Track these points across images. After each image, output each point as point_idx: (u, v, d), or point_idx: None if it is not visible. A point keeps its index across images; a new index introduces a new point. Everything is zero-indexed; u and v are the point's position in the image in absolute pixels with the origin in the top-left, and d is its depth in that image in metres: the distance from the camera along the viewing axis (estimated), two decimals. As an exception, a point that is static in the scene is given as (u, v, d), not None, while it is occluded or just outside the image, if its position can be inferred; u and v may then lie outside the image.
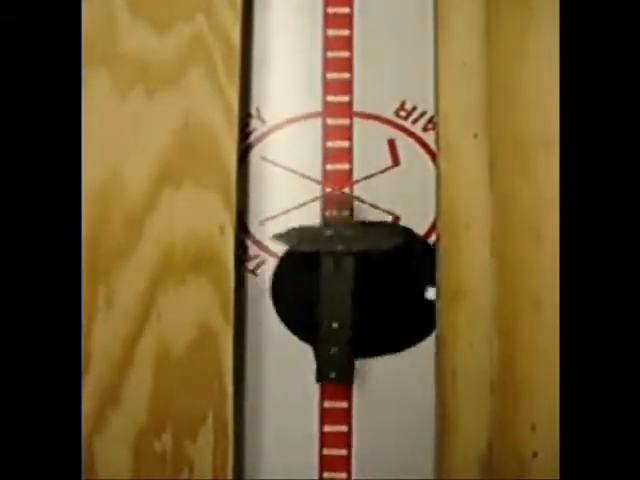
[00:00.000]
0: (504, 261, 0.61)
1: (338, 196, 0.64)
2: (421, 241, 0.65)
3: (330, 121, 0.66)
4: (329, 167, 0.65)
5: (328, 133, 0.66)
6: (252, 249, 0.65)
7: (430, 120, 0.65)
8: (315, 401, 0.64)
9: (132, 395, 0.60)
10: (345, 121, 0.66)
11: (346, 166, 0.65)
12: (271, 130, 0.66)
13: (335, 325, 0.61)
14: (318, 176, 0.65)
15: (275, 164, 0.66)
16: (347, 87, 0.66)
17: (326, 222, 0.63)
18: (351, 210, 0.63)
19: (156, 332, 0.61)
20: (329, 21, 0.67)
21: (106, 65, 0.63)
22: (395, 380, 0.64)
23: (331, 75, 0.66)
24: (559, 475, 0.48)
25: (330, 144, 0.66)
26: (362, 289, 0.62)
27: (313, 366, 0.63)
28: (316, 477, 0.63)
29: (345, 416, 0.64)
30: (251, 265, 0.65)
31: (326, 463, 0.64)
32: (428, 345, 0.64)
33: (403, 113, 0.66)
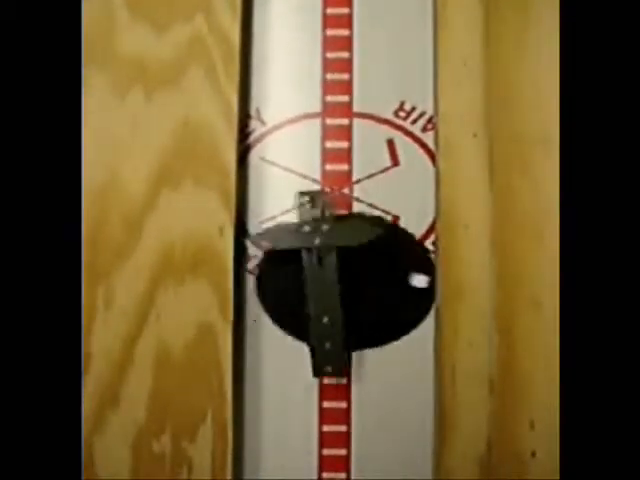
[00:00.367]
0: (504, 261, 0.62)
1: (312, 192, 0.64)
2: (401, 230, 0.65)
3: (329, 121, 0.66)
4: (328, 167, 0.65)
5: (327, 133, 0.66)
6: (251, 249, 0.65)
7: (429, 120, 0.65)
8: (314, 401, 0.64)
9: (131, 395, 0.60)
10: (344, 121, 0.66)
11: (345, 166, 0.66)
12: (270, 131, 0.66)
13: (325, 320, 0.61)
14: (317, 176, 0.65)
15: (274, 165, 0.66)
16: (346, 87, 0.66)
17: (304, 218, 0.63)
18: (325, 205, 0.63)
19: (155, 332, 0.61)
20: (328, 21, 0.67)
21: (105, 65, 0.63)
22: (394, 380, 0.64)
23: (330, 75, 0.66)
24: (558, 474, 0.48)
25: (329, 144, 0.66)
26: (348, 281, 0.62)
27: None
28: (315, 477, 0.64)
29: (344, 416, 0.64)
30: (250, 265, 0.65)
31: (325, 463, 0.64)
32: (426, 344, 0.64)
33: (402, 113, 0.66)
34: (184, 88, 0.63)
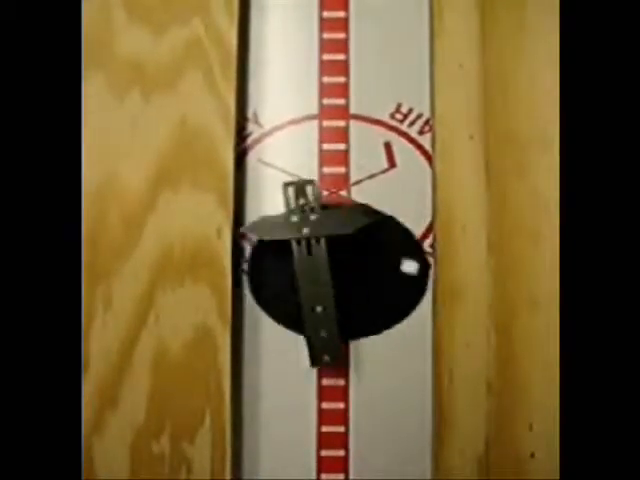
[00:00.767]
0: (501, 261, 0.62)
1: (298, 182, 0.64)
2: (390, 219, 0.65)
3: (326, 124, 0.66)
4: (325, 170, 0.66)
5: (324, 136, 0.66)
6: (249, 251, 0.65)
7: (426, 123, 0.66)
8: (313, 402, 0.64)
9: (130, 396, 0.60)
10: (341, 124, 0.66)
11: (342, 169, 0.66)
12: (268, 133, 0.67)
13: (319, 309, 0.61)
14: (315, 179, 0.66)
15: (272, 167, 0.66)
16: (343, 90, 0.66)
17: (291, 209, 0.63)
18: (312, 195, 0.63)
19: (154, 333, 0.61)
20: (325, 24, 0.67)
21: (103, 67, 0.63)
22: (393, 381, 0.64)
23: (327, 78, 0.67)
24: (557, 475, 0.48)
25: (326, 147, 0.66)
26: (338, 270, 0.62)
27: (311, 370, 0.64)
28: (314, 478, 0.64)
29: (342, 417, 0.64)
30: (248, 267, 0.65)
31: (324, 464, 0.64)
32: (425, 346, 0.64)
33: (399, 116, 0.66)
34: (182, 90, 0.63)
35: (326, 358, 0.62)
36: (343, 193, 0.66)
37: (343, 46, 0.67)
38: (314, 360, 0.62)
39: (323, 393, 0.64)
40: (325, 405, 0.64)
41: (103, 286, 0.61)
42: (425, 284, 0.65)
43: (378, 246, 0.65)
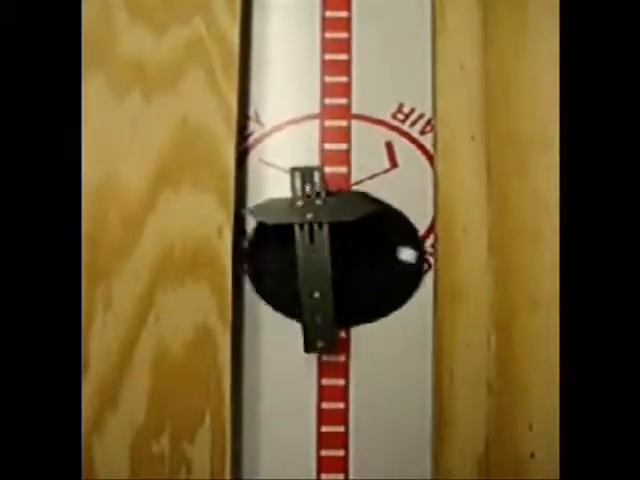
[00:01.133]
0: (502, 262, 0.62)
1: (304, 168, 0.64)
2: (389, 207, 0.65)
3: (328, 123, 0.66)
4: (327, 169, 0.66)
5: (326, 135, 0.66)
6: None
7: (428, 123, 0.66)
8: (313, 402, 0.64)
9: (130, 396, 0.60)
10: (343, 123, 0.66)
11: (344, 168, 0.66)
12: (269, 133, 0.66)
13: (316, 294, 0.61)
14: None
15: (273, 166, 0.66)
16: (345, 90, 0.66)
17: (297, 194, 0.63)
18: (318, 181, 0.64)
19: (154, 333, 0.61)
20: (327, 24, 0.67)
21: (104, 66, 0.63)
22: (393, 381, 0.64)
23: (329, 78, 0.67)
24: (557, 475, 0.48)
25: (328, 146, 0.66)
26: (337, 257, 0.62)
27: (311, 368, 0.64)
28: (314, 478, 0.64)
29: (342, 417, 0.64)
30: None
31: (324, 464, 0.64)
32: (426, 345, 0.64)
33: (401, 116, 0.66)
34: (183, 90, 0.63)
35: (320, 344, 0.62)
36: (344, 193, 0.66)
37: (345, 46, 0.67)
38: (308, 346, 0.62)
39: (323, 393, 0.64)
40: (325, 405, 0.64)
41: (103, 286, 0.61)
42: (421, 272, 0.65)
43: (377, 234, 0.65)
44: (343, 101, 0.66)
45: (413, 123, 0.66)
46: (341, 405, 0.64)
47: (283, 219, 0.63)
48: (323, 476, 0.64)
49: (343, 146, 0.66)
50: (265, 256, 0.65)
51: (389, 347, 0.64)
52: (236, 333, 0.63)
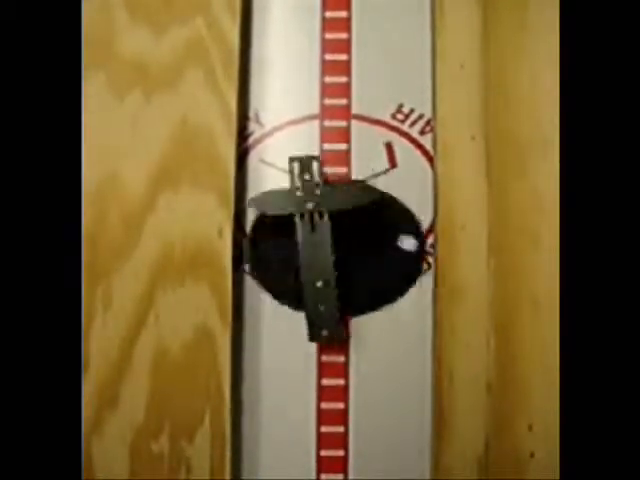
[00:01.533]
0: (501, 262, 0.62)
1: (303, 157, 0.64)
2: (388, 196, 0.65)
3: (328, 124, 0.66)
4: (327, 170, 0.66)
5: (326, 136, 0.66)
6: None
7: (427, 123, 0.66)
8: (312, 402, 0.64)
9: (130, 396, 0.60)
10: (343, 124, 0.66)
11: (344, 169, 0.66)
12: (269, 133, 0.66)
13: (319, 284, 0.61)
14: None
15: (273, 167, 0.66)
16: (345, 90, 0.66)
17: (296, 184, 0.64)
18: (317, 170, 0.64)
19: (154, 333, 0.61)
20: (327, 24, 0.67)
21: (104, 66, 0.63)
22: (393, 382, 0.64)
23: (329, 78, 0.67)
24: (557, 475, 0.48)
25: (327, 147, 0.66)
26: (338, 247, 0.62)
27: (311, 368, 0.64)
28: (313, 478, 0.64)
29: (342, 417, 0.64)
30: (249, 267, 0.65)
31: (323, 464, 0.64)
32: (425, 351, 0.64)
33: (400, 116, 0.66)
34: (183, 90, 0.63)
35: (324, 333, 0.62)
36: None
37: (345, 46, 0.67)
38: (312, 335, 0.62)
39: (323, 393, 0.64)
40: (325, 405, 0.64)
41: (103, 286, 0.61)
42: (422, 261, 0.65)
43: (376, 223, 0.65)
44: (343, 101, 0.66)
45: (413, 123, 0.66)
46: (341, 405, 0.64)
47: (283, 209, 0.63)
48: (323, 476, 0.64)
49: (343, 146, 0.66)
50: (265, 248, 0.65)
51: (389, 348, 0.64)
52: (236, 333, 0.63)
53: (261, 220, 0.65)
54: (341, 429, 0.64)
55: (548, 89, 0.62)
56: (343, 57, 0.67)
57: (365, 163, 0.66)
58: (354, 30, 0.67)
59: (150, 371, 0.61)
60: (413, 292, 0.65)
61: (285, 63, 0.67)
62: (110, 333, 0.61)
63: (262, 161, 0.66)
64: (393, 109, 0.66)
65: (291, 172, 0.64)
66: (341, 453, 0.64)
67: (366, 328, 0.65)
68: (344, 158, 0.66)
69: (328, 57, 0.67)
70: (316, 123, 0.66)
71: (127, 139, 0.62)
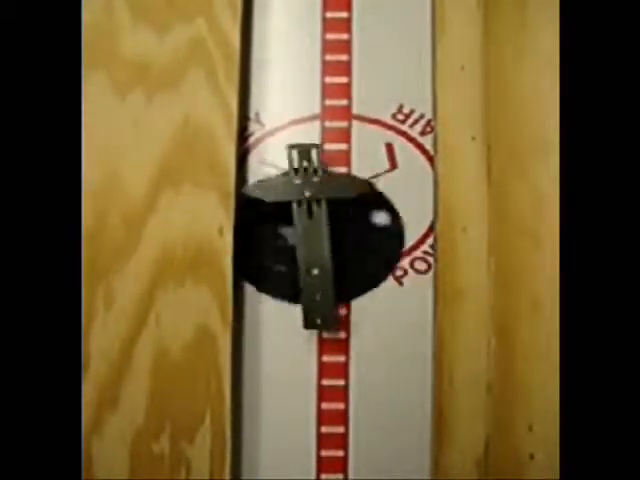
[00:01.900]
0: (502, 263, 0.62)
1: (302, 145, 0.64)
2: (375, 192, 0.66)
3: (328, 124, 0.66)
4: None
5: (326, 136, 0.66)
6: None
7: (428, 123, 0.66)
8: (312, 402, 0.64)
9: (130, 396, 0.60)
10: (343, 124, 0.66)
11: (344, 169, 0.66)
12: (270, 133, 0.66)
13: (315, 272, 0.62)
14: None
15: (274, 167, 0.66)
16: (345, 91, 0.66)
17: (294, 171, 0.64)
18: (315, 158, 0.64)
19: (155, 333, 0.61)
20: (328, 25, 0.67)
21: (106, 67, 0.63)
22: (393, 382, 0.64)
23: (329, 79, 0.67)
24: (557, 477, 0.48)
25: (328, 147, 0.66)
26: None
27: (312, 368, 0.64)
28: (313, 478, 0.64)
29: (342, 417, 0.64)
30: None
31: (323, 464, 0.64)
32: (425, 352, 0.64)
33: (401, 117, 0.66)
34: (184, 90, 0.63)
35: (318, 321, 0.62)
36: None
37: (346, 47, 0.67)
38: (307, 323, 0.62)
39: (323, 393, 0.64)
40: (325, 405, 0.64)
41: (104, 286, 0.61)
42: (402, 236, 0.65)
43: (352, 209, 0.66)
44: (343, 102, 0.66)
45: (413, 124, 0.66)
46: (341, 406, 0.64)
47: (281, 196, 0.63)
48: (323, 476, 0.64)
49: (343, 147, 0.66)
50: (251, 240, 0.65)
51: (390, 348, 0.64)
52: (236, 334, 0.63)
53: (246, 211, 0.64)
54: (341, 429, 0.64)
55: (548, 90, 0.62)
56: (344, 58, 0.67)
57: (366, 163, 0.66)
58: (355, 31, 0.67)
59: (150, 371, 0.61)
60: (414, 293, 0.65)
61: (286, 64, 0.67)
62: (111, 333, 0.61)
63: (263, 161, 0.66)
64: (394, 109, 0.66)
65: (289, 159, 0.64)
66: (341, 453, 0.64)
67: (367, 329, 0.65)
68: (344, 158, 0.66)
69: (329, 58, 0.67)
70: (317, 123, 0.66)
71: (128, 139, 0.62)
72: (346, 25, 0.67)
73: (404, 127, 0.66)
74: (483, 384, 0.61)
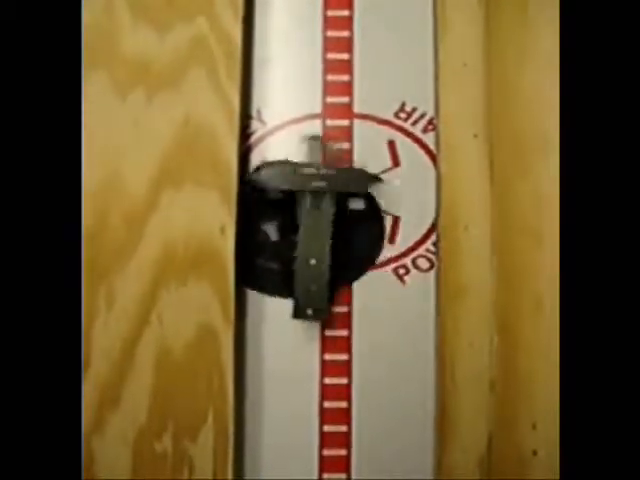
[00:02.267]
0: (504, 261, 0.62)
1: (314, 136, 0.65)
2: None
3: (330, 122, 0.66)
4: (329, 168, 0.66)
5: (328, 134, 0.66)
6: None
7: (430, 121, 0.66)
8: (315, 401, 0.64)
9: (132, 395, 0.60)
10: (345, 122, 0.66)
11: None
12: (271, 131, 0.66)
13: (313, 262, 0.62)
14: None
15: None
16: (347, 88, 0.66)
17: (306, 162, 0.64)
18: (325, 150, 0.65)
19: (157, 332, 0.61)
20: (329, 23, 0.67)
21: (106, 66, 0.63)
22: (395, 381, 0.64)
23: (331, 77, 0.67)
24: (559, 474, 0.48)
25: (330, 145, 0.66)
26: None
27: (314, 366, 0.64)
28: (316, 477, 0.64)
29: (345, 416, 0.64)
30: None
31: (326, 464, 0.64)
32: (428, 350, 0.64)
33: (403, 115, 0.66)
34: (186, 89, 0.63)
35: (309, 312, 0.62)
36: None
37: (347, 44, 0.67)
38: (297, 312, 0.63)
39: (325, 392, 0.64)
40: (327, 404, 0.64)
41: (105, 285, 0.61)
42: (381, 218, 0.65)
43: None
44: (345, 100, 0.66)
45: (415, 122, 0.66)
46: (344, 404, 0.64)
47: (288, 185, 0.63)
48: (325, 476, 0.64)
49: (345, 145, 0.66)
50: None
51: (392, 347, 0.65)
52: (239, 332, 0.63)
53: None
54: (344, 428, 0.64)
55: (550, 87, 0.62)
56: (345, 56, 0.67)
57: (368, 162, 0.66)
58: (356, 28, 0.67)
59: (152, 370, 0.61)
60: (416, 291, 0.65)
61: (287, 62, 0.67)
62: (112, 332, 0.61)
63: (264, 160, 0.66)
64: (396, 108, 0.66)
65: (305, 149, 0.64)
66: (344, 452, 0.64)
67: (369, 327, 0.65)
68: (346, 156, 0.66)
69: (330, 56, 0.67)
70: (318, 122, 0.66)
71: (129, 138, 0.62)
72: (347, 23, 0.67)
73: (406, 125, 0.66)
74: (486, 382, 0.61)
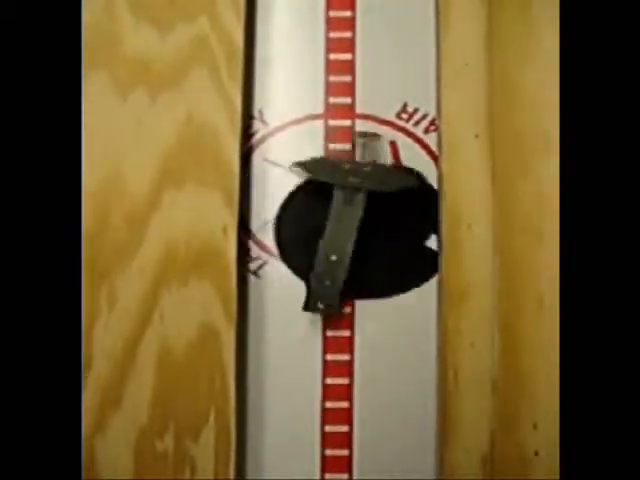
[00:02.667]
0: (506, 261, 0.62)
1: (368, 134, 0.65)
2: (431, 189, 0.65)
3: (332, 123, 0.66)
4: (330, 169, 0.66)
5: (330, 135, 0.66)
6: (254, 251, 0.65)
7: (432, 122, 0.66)
8: (317, 401, 0.64)
9: (134, 395, 0.60)
10: (347, 123, 0.66)
11: (348, 168, 0.66)
12: (273, 132, 0.66)
13: (334, 258, 0.62)
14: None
15: (277, 165, 0.66)
16: (349, 89, 0.67)
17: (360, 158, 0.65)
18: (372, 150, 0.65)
19: (158, 332, 0.61)
20: (331, 24, 0.67)
21: (107, 66, 0.63)
22: (397, 381, 0.64)
23: (333, 77, 0.67)
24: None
25: (332, 146, 0.66)
26: (367, 227, 0.63)
27: (316, 366, 0.64)
28: (318, 477, 0.63)
29: (347, 416, 0.64)
30: (253, 267, 0.65)
31: (328, 464, 0.64)
32: (429, 350, 0.64)
33: (405, 115, 0.66)
34: (187, 89, 0.63)
35: (320, 306, 0.62)
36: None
37: (349, 45, 0.67)
38: (308, 305, 0.63)
39: (327, 391, 0.64)
40: (329, 404, 0.64)
41: (107, 285, 0.61)
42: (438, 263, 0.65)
43: (411, 213, 0.66)
44: (347, 100, 0.66)
45: (417, 122, 0.66)
46: (345, 404, 0.64)
47: (326, 177, 0.64)
48: (327, 476, 0.64)
49: (347, 146, 0.66)
50: (292, 219, 0.66)
51: (394, 346, 0.65)
52: (240, 332, 0.62)
53: (297, 190, 0.65)
54: (345, 428, 0.64)
55: (552, 87, 0.62)
56: (347, 56, 0.67)
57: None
58: (358, 29, 0.67)
59: (154, 370, 0.61)
60: (418, 291, 0.65)
61: (289, 62, 0.67)
62: (114, 333, 0.61)
63: (266, 160, 0.66)
64: (397, 108, 0.66)
65: (361, 147, 0.64)
66: (345, 452, 0.64)
67: (371, 326, 0.65)
68: (348, 157, 0.66)
69: (332, 56, 0.67)
70: (320, 122, 0.66)
71: (131, 138, 0.62)
72: (349, 24, 0.67)
73: (408, 125, 0.66)
74: (487, 382, 0.61)
